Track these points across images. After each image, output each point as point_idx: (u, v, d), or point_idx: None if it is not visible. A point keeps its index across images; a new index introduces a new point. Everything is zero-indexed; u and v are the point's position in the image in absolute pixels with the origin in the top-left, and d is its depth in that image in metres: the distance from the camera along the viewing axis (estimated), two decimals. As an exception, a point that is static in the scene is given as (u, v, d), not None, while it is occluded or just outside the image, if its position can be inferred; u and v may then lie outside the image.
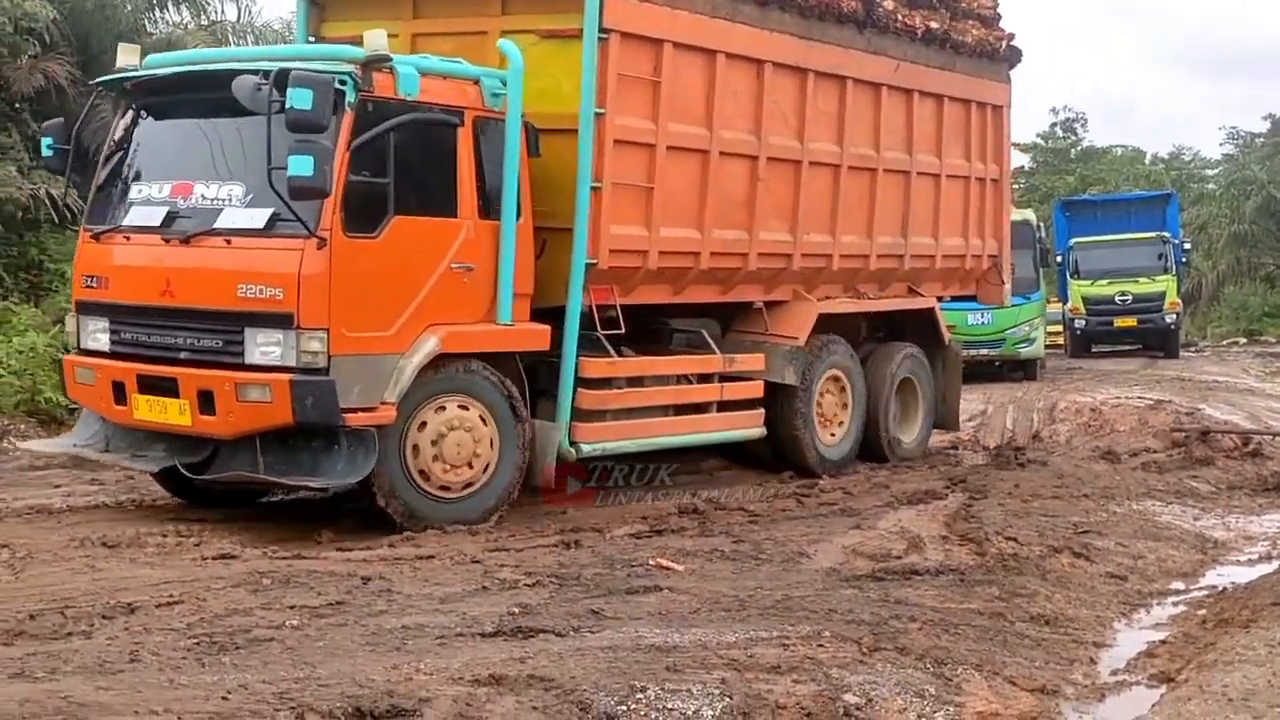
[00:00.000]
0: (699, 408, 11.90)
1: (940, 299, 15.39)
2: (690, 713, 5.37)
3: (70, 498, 11.15)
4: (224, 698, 5.22)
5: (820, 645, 6.38)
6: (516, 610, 6.93)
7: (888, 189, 13.66)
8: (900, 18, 13.37)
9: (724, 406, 12.01)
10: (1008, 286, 16.18)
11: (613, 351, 10.88)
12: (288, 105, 8.58)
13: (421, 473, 9.52)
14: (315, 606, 6.94)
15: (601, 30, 10.31)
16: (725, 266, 12.07)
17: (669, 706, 5.41)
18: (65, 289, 21.51)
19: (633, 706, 5.38)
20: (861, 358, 13.78)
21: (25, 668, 5.64)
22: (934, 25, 13.94)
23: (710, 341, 12.09)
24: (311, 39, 11.66)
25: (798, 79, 12.41)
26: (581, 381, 10.54)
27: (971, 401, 20.10)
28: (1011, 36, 15.40)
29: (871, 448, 13.84)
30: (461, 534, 9.47)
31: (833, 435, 13.21)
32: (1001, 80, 15.48)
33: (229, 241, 9.29)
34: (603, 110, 10.41)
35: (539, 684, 5.53)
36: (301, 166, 8.57)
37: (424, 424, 9.51)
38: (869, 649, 6.40)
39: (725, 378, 12.01)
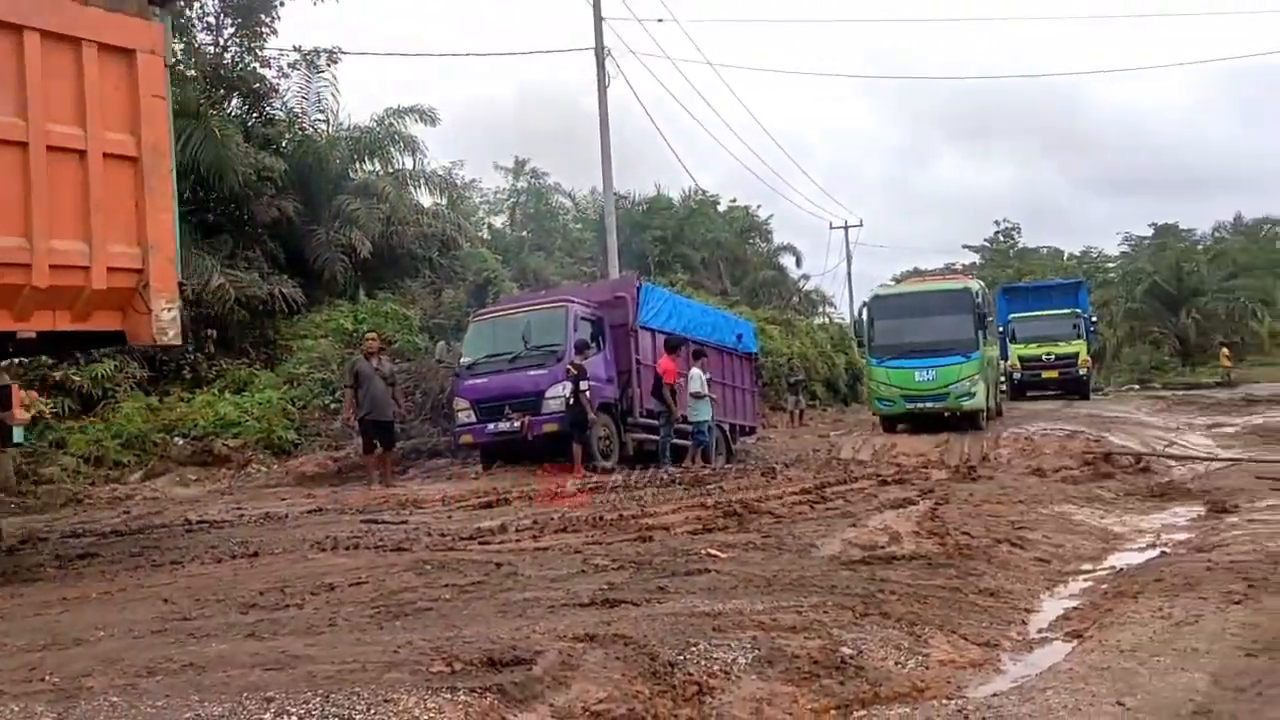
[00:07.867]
0: None
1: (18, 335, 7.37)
2: (729, 660, 5.29)
3: (292, 507, 11.24)
4: (395, 651, 5.20)
5: (825, 611, 6.25)
6: (606, 587, 6.85)
7: None
8: None
9: None
10: (170, 314, 7.72)
11: None
12: None
13: None
14: (462, 585, 6.91)
15: None
16: None
17: (714, 656, 5.32)
18: (293, 358, 21.91)
19: (688, 656, 5.30)
20: None
21: (255, 630, 5.68)
22: None
23: None
24: None
25: None
26: None
27: (939, 435, 19.89)
28: None
29: None
30: (569, 532, 9.41)
31: None
32: (128, 12, 7.75)
33: None
34: None
35: (621, 640, 5.45)
36: None
37: None
38: (860, 614, 6.25)
39: None
